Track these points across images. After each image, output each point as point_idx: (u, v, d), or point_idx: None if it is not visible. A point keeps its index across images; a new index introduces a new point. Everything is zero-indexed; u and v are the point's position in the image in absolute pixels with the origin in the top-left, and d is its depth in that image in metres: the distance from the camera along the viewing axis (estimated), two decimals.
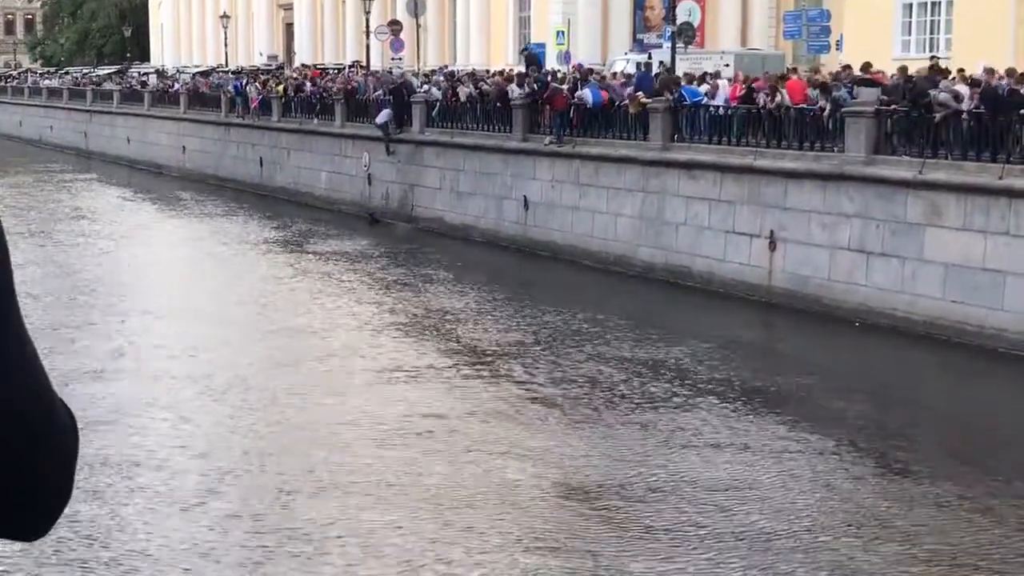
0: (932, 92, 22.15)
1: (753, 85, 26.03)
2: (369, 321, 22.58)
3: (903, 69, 24.79)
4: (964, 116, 21.32)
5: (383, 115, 36.09)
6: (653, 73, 33.16)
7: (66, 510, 1.54)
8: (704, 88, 28.26)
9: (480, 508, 12.66)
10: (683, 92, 27.63)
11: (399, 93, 36.40)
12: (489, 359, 19.46)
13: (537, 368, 18.73)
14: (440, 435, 15.23)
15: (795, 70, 30.46)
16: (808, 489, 13.16)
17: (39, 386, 1.57)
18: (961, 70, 24.43)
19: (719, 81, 28.64)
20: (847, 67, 26.86)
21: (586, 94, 29.43)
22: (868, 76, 24.89)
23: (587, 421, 15.80)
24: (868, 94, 23.09)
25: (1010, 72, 22.79)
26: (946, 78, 23.71)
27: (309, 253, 31.25)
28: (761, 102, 25.27)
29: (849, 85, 24.53)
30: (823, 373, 18.91)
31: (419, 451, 14.55)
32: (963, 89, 22.38)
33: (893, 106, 22.59)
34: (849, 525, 12.18)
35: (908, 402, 17.51)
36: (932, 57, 28.80)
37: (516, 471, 13.78)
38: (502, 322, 22.38)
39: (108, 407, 16.45)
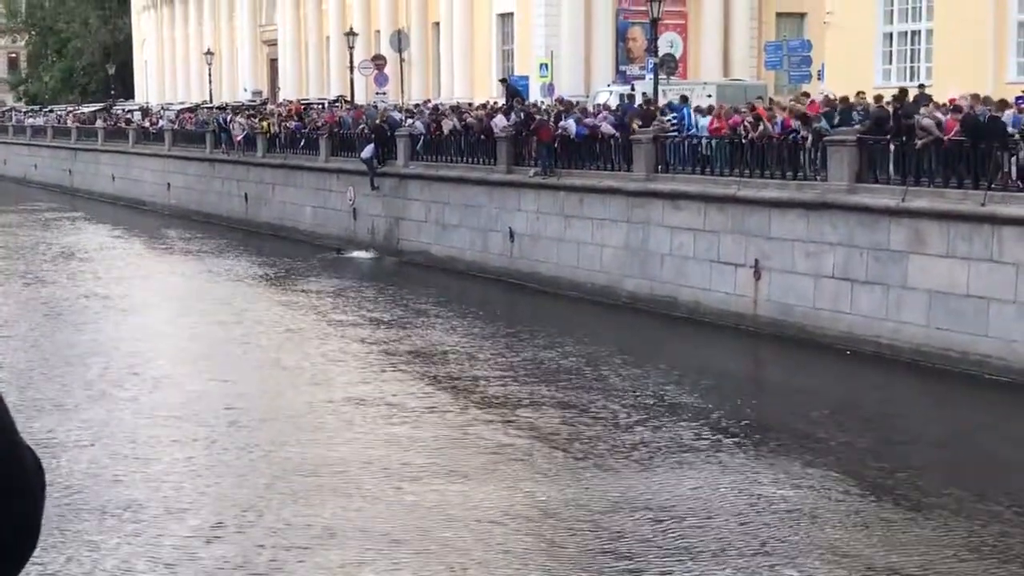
0: (916, 116, 22.30)
1: (730, 122, 26.13)
2: (365, 360, 22.15)
3: (896, 96, 24.92)
4: (945, 142, 21.42)
5: (368, 150, 36.17)
6: (636, 104, 33.49)
7: (44, 559, 1.55)
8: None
9: (493, 564, 12.18)
10: (685, 112, 28.00)
11: (380, 131, 36.53)
12: (491, 399, 19.02)
13: (540, 408, 18.28)
14: (446, 483, 14.58)
15: (760, 98, 30.70)
16: (821, 538, 12.86)
17: (3, 428, 1.58)
18: (953, 100, 24.45)
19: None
20: (860, 93, 26.71)
21: (570, 124, 29.61)
22: (879, 105, 24.88)
23: (598, 467, 15.22)
24: (874, 113, 23.32)
25: (986, 100, 22.94)
26: (928, 105, 23.84)
27: (299, 290, 31.00)
28: (743, 132, 25.41)
29: (863, 113, 24.36)
30: (819, 406, 18.75)
31: (425, 501, 13.93)
32: (940, 116, 22.50)
33: (875, 136, 22.72)
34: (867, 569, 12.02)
35: (908, 435, 17.42)
36: (920, 86, 28.99)
37: (529, 524, 13.23)
38: (497, 359, 22.06)
39: (94, 452, 16.04)
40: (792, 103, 27.92)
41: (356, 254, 36.67)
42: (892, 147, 22.41)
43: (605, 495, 14.14)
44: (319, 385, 20.24)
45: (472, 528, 13.11)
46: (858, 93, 26.09)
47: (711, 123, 26.69)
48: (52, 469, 14.30)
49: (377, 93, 51.98)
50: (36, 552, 1.65)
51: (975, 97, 22.80)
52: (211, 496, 14.36)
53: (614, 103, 37.61)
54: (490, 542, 12.73)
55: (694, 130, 27.54)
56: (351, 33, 55.59)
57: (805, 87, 38.84)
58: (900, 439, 17.14)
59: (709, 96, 38.05)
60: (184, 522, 13.37)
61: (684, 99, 31.58)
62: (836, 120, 24.30)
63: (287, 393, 19.56)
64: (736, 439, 16.55)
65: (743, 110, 26.94)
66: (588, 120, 29.96)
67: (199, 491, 14.53)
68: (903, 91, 24.94)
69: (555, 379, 20.27)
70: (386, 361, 22.07)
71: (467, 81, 60.16)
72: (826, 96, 26.19)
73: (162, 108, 69.42)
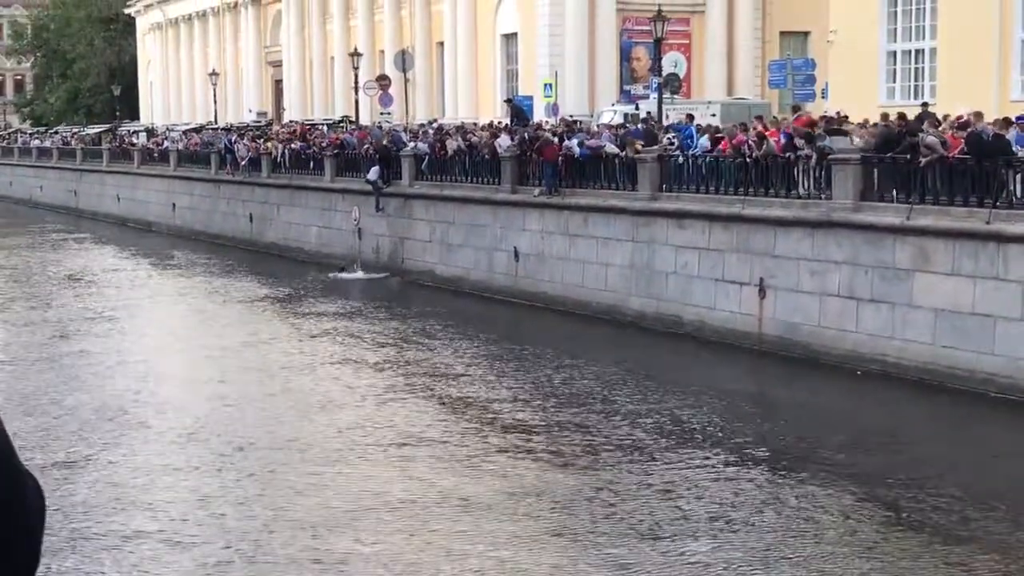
0: (920, 135, 22.31)
1: (734, 141, 26.15)
2: (375, 385, 21.64)
3: (900, 115, 24.96)
4: (949, 159, 21.41)
5: (373, 172, 36.19)
6: (639, 124, 33.59)
7: None
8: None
9: None
10: (691, 131, 28.16)
11: (385, 151, 36.60)
12: (505, 425, 18.44)
13: (558, 434, 17.80)
14: (461, 513, 14.15)
15: (760, 117, 30.71)
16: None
17: (3, 454, 1.58)
18: (960, 117, 24.34)
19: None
20: (884, 115, 26.49)
21: (573, 144, 29.65)
22: (886, 124, 24.76)
23: (621, 497, 14.83)
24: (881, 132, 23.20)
25: (980, 116, 22.90)
26: (937, 125, 23.81)
27: (306, 312, 30.61)
28: (747, 151, 25.42)
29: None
30: (838, 428, 18.38)
31: (439, 531, 13.50)
32: (935, 137, 22.44)
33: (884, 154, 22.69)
34: None
35: (928, 458, 17.01)
36: (923, 104, 29.05)
37: (545, 554, 12.83)
38: (508, 381, 21.72)
39: (96, 478, 15.66)
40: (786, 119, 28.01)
41: (343, 275, 36.55)
42: (897, 165, 22.39)
43: (631, 526, 13.70)
44: (328, 411, 19.72)
45: (489, 560, 12.69)
46: (883, 115, 26.05)
47: (723, 144, 26.61)
48: (52, 496, 14.04)
49: (381, 113, 52.09)
50: None
51: (978, 115, 22.79)
52: (216, 526, 13.87)
53: (618, 123, 37.70)
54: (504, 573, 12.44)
55: (698, 149, 27.58)
56: (355, 53, 55.76)
57: (809, 106, 38.93)
58: (919, 462, 16.73)
59: (713, 115, 38.12)
60: (188, 553, 12.93)
61: (690, 118, 31.65)
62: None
63: (296, 419, 19.06)
64: (762, 465, 16.18)
65: (737, 128, 27.09)
66: (591, 142, 29.93)
67: (204, 521, 14.03)
68: (886, 115, 24.91)
69: (570, 402, 19.93)
70: (396, 385, 21.62)
71: (471, 101, 60.30)
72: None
73: (167, 129, 69.64)
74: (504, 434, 18.06)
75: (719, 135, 27.78)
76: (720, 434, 17.93)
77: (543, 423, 18.70)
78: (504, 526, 13.77)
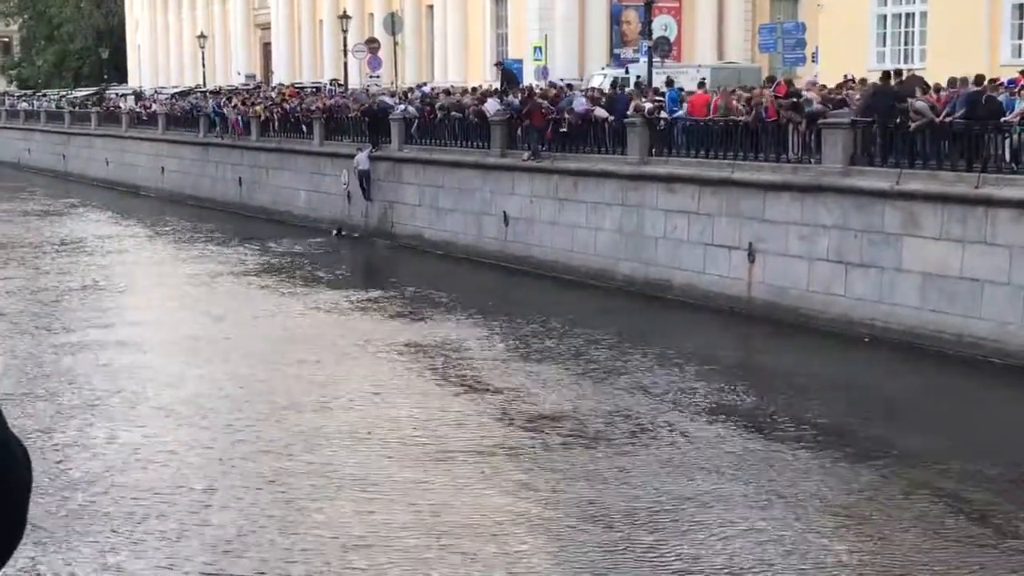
0: (911, 100, 22.30)
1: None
2: (374, 358, 20.92)
3: (887, 74, 24.91)
4: (938, 122, 21.40)
5: (363, 160, 35.66)
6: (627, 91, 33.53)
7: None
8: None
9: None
10: (671, 96, 28.21)
11: (372, 113, 36.50)
12: (517, 401, 17.77)
13: (579, 410, 17.19)
14: (485, 491, 13.72)
15: (702, 84, 30.65)
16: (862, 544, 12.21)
17: None
18: (965, 79, 24.09)
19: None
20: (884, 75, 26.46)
21: (574, 101, 29.51)
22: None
23: (624, 471, 14.44)
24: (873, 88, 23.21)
25: (979, 79, 22.87)
26: (926, 91, 23.76)
27: (300, 279, 30.18)
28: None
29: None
30: (867, 402, 18.00)
31: (458, 507, 13.05)
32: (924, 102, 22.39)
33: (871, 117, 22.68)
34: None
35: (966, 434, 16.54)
36: (897, 71, 28.99)
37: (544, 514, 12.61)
38: (510, 352, 21.18)
39: (80, 456, 15.05)
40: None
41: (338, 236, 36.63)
42: (886, 130, 22.36)
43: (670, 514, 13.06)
44: (328, 387, 18.90)
45: (510, 549, 12.13)
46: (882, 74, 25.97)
47: (712, 108, 26.50)
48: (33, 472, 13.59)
49: (371, 76, 51.90)
50: None
51: (963, 81, 22.71)
52: (210, 512, 13.03)
53: (607, 86, 37.62)
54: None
55: (679, 113, 27.52)
56: (344, 16, 55.47)
57: (799, 70, 38.85)
58: (953, 437, 16.28)
59: (703, 79, 37.99)
60: (178, 540, 12.16)
61: (670, 82, 31.54)
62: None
63: (296, 398, 18.17)
64: (754, 431, 15.95)
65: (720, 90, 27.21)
66: (580, 108, 29.57)
67: (199, 504, 13.23)
68: (886, 73, 24.93)
69: (581, 376, 19.37)
70: (395, 360, 20.80)
71: (461, 64, 60.09)
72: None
73: (155, 92, 69.29)
74: (520, 414, 17.24)
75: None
76: (751, 411, 17.28)
77: (540, 392, 18.23)
78: (532, 514, 13.12)
